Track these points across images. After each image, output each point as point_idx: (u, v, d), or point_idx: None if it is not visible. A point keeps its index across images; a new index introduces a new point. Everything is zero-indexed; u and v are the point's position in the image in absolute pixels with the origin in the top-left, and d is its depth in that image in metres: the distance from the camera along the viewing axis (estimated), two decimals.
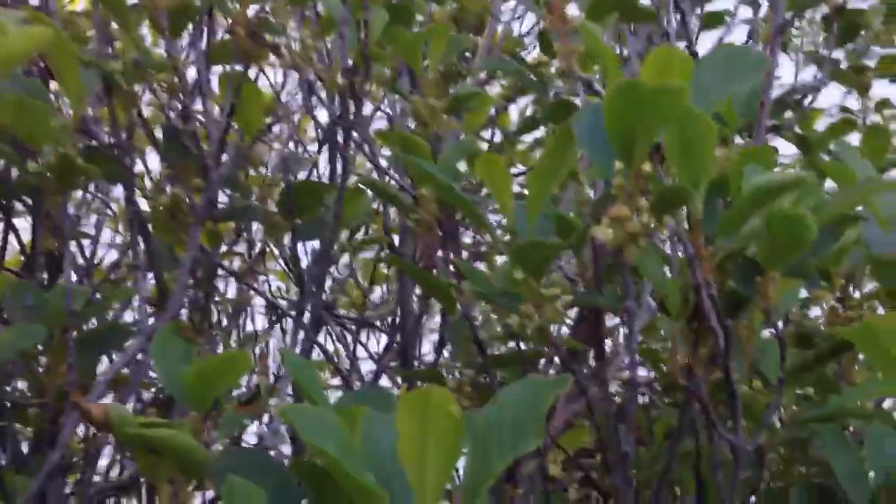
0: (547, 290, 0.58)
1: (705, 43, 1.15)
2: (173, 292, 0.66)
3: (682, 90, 0.43)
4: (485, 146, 1.16)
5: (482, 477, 0.42)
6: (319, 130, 0.97)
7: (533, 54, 1.31)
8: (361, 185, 0.83)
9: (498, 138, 1.21)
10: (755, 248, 0.55)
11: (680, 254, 0.56)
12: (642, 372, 1.03)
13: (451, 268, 0.78)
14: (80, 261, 0.99)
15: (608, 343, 0.89)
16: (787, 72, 1.48)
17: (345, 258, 1.32)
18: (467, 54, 1.12)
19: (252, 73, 1.00)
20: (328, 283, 1.31)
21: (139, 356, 0.71)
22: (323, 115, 0.95)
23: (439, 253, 0.82)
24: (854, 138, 1.11)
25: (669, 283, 0.56)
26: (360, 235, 1.24)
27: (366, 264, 1.43)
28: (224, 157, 0.72)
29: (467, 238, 1.14)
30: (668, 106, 0.43)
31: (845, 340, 0.61)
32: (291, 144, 1.04)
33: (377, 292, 1.37)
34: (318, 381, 0.53)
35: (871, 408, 0.69)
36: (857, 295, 0.71)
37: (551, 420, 0.90)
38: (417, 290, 1.00)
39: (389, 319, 1.15)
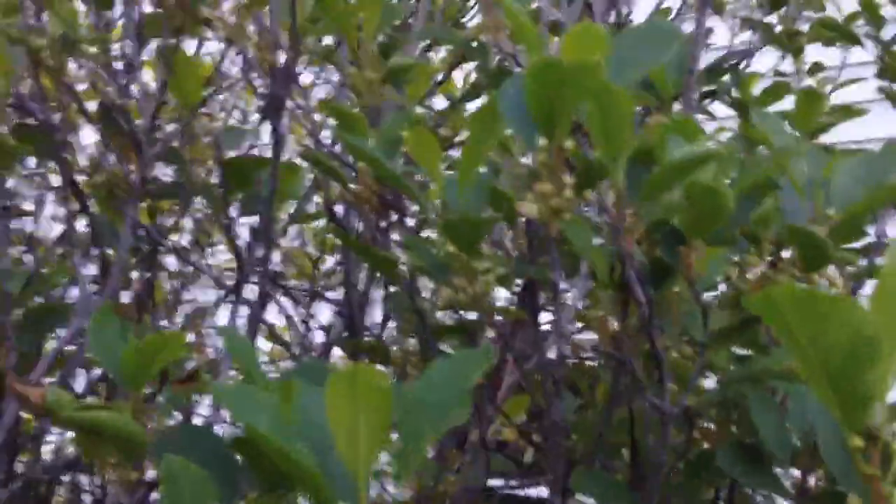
0: (478, 264, 0.59)
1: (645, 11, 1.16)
2: (112, 270, 0.66)
3: (598, 66, 0.44)
4: (429, 114, 1.16)
5: (413, 452, 0.43)
6: (259, 103, 0.96)
7: (476, 20, 1.31)
8: (300, 158, 0.83)
9: (443, 106, 1.22)
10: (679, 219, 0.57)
11: (607, 221, 0.58)
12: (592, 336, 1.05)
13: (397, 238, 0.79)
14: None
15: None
16: (723, 37, 1.50)
17: (293, 228, 1.32)
18: (411, 21, 1.12)
19: (193, 44, 0.99)
20: (277, 254, 1.31)
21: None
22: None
23: (382, 224, 0.83)
24: (789, 101, 1.13)
25: (597, 254, 0.58)
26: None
27: (317, 233, 1.42)
28: (160, 133, 0.71)
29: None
30: (585, 82, 0.44)
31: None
32: (237, 116, 1.03)
33: (329, 262, 1.37)
34: (255, 356, 0.53)
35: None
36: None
37: (497, 388, 0.92)
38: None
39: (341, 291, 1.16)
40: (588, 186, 0.50)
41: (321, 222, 1.44)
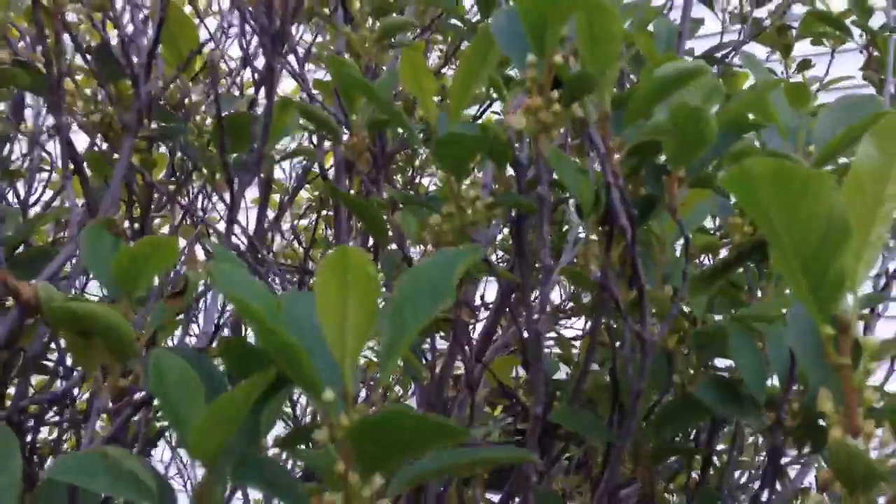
0: (467, 192, 0.60)
1: None
2: (104, 204, 0.67)
3: None
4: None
5: (401, 337, 0.44)
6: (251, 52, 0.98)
7: None
8: (298, 110, 0.85)
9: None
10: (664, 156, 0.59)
11: (594, 159, 0.59)
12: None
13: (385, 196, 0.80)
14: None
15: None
16: (714, 28, 1.53)
17: (286, 225, 1.35)
18: None
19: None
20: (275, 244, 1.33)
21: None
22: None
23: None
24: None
25: (583, 184, 0.59)
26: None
27: (306, 229, 1.47)
28: (154, 75, 0.73)
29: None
30: None
31: (752, 246, 0.65)
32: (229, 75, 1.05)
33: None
34: (245, 272, 0.54)
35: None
36: None
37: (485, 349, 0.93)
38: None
39: None
40: (575, 100, 0.51)
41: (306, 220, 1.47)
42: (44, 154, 1.12)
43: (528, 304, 0.60)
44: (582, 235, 0.74)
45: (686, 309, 0.71)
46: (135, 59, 0.70)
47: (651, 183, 0.60)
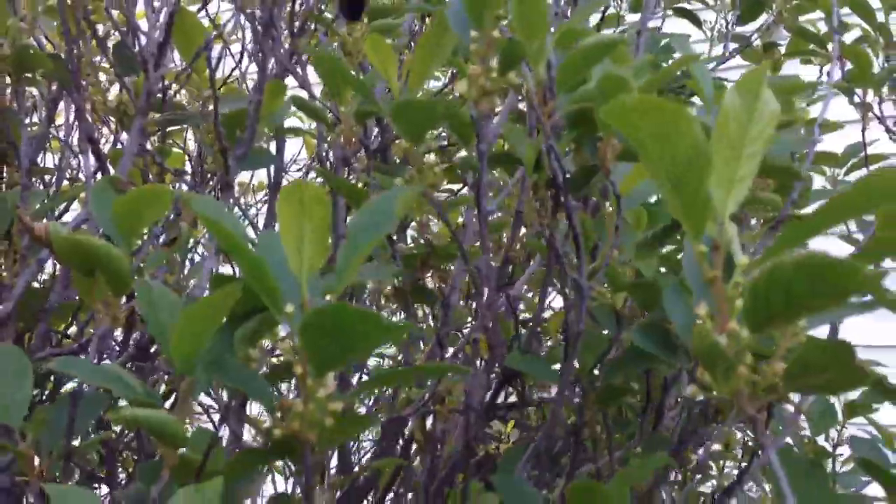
0: (427, 158, 0.69)
1: None
2: (119, 166, 0.76)
3: None
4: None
5: (354, 254, 0.53)
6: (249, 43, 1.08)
7: None
8: (293, 103, 0.94)
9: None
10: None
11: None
12: None
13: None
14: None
15: None
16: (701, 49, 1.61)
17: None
18: None
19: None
20: None
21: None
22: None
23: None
24: None
25: (528, 147, 0.67)
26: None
27: None
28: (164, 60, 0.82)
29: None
30: None
31: None
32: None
33: None
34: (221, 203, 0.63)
35: None
36: None
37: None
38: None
39: None
40: (510, 67, 0.60)
41: None
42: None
43: (487, 257, 0.68)
44: None
45: None
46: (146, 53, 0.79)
47: (589, 148, 0.68)
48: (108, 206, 0.64)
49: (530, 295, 1.01)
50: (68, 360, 0.53)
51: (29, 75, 0.80)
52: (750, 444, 1.14)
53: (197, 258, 1.08)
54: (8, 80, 0.78)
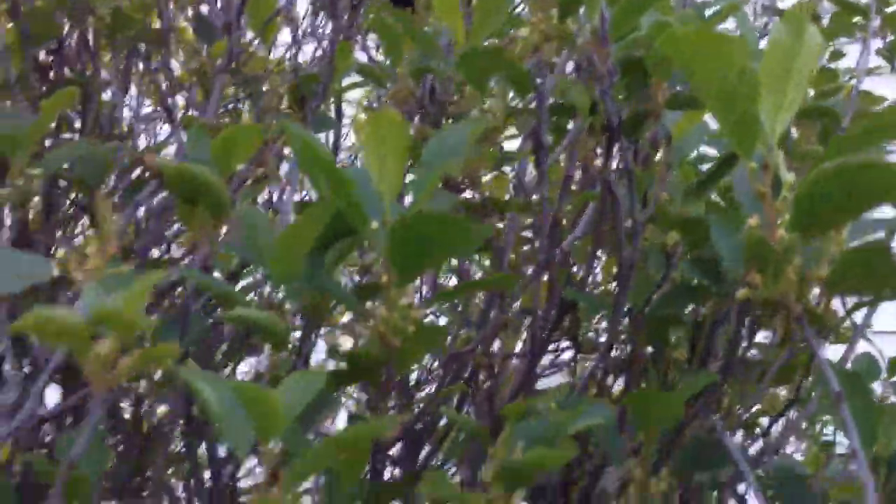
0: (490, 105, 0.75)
1: None
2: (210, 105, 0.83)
3: None
4: None
5: (430, 177, 0.59)
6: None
7: None
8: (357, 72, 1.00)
9: None
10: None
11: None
12: None
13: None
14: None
15: None
16: None
17: None
18: None
19: None
20: None
21: None
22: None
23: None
24: None
25: (582, 93, 0.73)
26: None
27: None
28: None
29: None
30: None
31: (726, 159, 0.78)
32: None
33: None
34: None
35: None
36: None
37: None
38: None
39: None
40: (568, 15, 0.65)
41: None
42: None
43: (546, 206, 0.74)
44: None
45: None
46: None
47: (634, 87, 0.73)
48: (204, 146, 0.71)
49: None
50: (187, 269, 0.60)
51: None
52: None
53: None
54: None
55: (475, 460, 0.75)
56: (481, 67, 0.71)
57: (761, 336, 0.83)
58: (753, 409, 1.04)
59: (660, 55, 0.68)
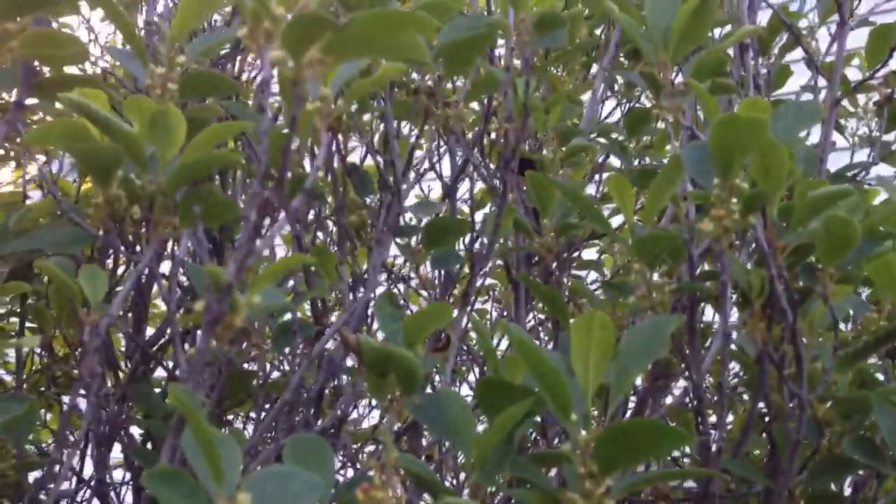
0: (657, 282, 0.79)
1: None
2: None
3: (766, 121, 0.64)
4: None
5: (625, 378, 0.62)
6: None
7: None
8: None
9: None
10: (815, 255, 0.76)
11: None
12: None
13: None
14: None
15: None
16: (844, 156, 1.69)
17: None
18: None
19: None
20: None
21: None
22: None
23: None
24: None
25: (752, 274, 0.76)
26: None
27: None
28: None
29: None
30: (756, 133, 0.64)
31: (886, 334, 0.80)
32: None
33: None
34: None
35: None
36: None
37: None
38: None
39: None
40: (750, 212, 0.69)
41: None
42: None
43: (697, 364, 0.77)
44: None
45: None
46: None
47: (805, 277, 0.77)
48: (394, 319, 0.75)
49: None
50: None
51: None
52: None
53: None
54: None
55: None
56: (658, 250, 0.75)
57: None
58: None
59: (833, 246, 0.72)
